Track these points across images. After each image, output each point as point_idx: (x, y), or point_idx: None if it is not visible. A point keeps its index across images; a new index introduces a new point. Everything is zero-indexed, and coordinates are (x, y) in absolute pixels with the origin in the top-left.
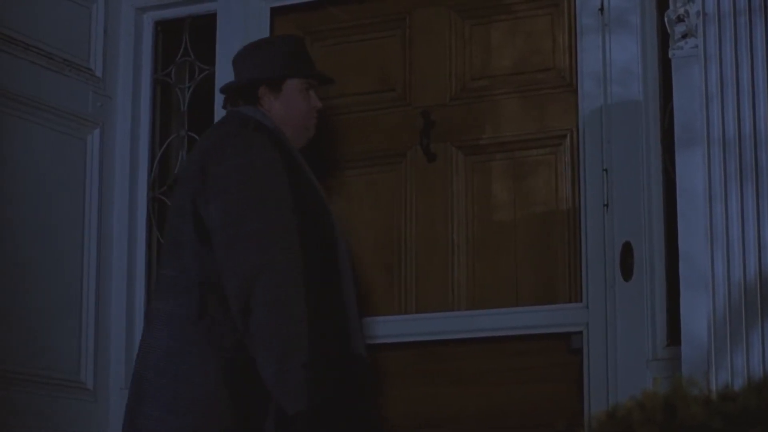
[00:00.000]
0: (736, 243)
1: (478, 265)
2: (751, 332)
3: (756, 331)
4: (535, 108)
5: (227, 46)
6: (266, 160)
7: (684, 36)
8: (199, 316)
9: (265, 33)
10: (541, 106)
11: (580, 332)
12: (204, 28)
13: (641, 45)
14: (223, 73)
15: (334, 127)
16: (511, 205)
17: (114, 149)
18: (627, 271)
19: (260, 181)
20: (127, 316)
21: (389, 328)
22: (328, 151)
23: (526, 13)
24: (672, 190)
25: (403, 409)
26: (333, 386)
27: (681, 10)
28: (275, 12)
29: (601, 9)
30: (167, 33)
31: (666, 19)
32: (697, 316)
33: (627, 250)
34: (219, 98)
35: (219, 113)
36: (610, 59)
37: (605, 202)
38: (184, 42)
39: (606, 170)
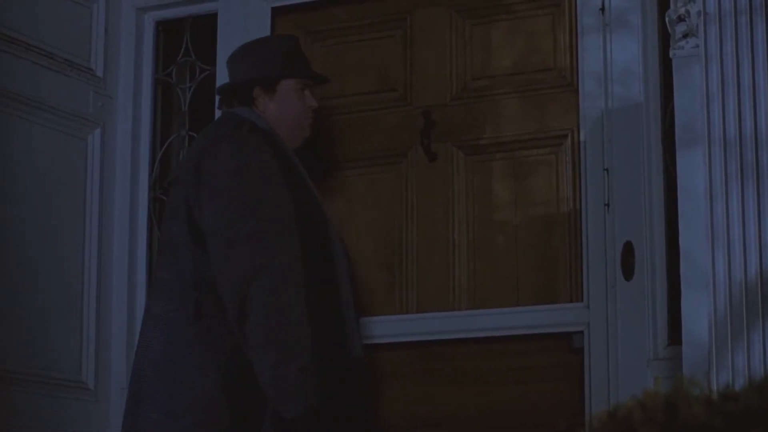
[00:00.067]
0: (737, 242)
1: (478, 264)
2: (752, 332)
3: (757, 330)
4: (536, 108)
5: (228, 46)
6: (261, 162)
7: (685, 36)
8: (196, 318)
9: (266, 33)
10: (542, 106)
11: (581, 332)
12: (205, 28)
13: (642, 45)
14: (224, 74)
15: (335, 128)
16: (511, 205)
17: (115, 149)
18: (628, 270)
19: (255, 183)
20: (128, 316)
21: (390, 327)
22: (329, 152)
23: (527, 13)
24: (673, 190)
25: (403, 409)
26: (331, 389)
27: (682, 10)
28: (276, 12)
29: (602, 9)
30: (168, 33)
31: (667, 18)
32: (698, 315)
33: (628, 250)
34: None
35: (220, 113)
36: (611, 59)
37: (606, 202)
38: (184, 42)
39: (607, 170)
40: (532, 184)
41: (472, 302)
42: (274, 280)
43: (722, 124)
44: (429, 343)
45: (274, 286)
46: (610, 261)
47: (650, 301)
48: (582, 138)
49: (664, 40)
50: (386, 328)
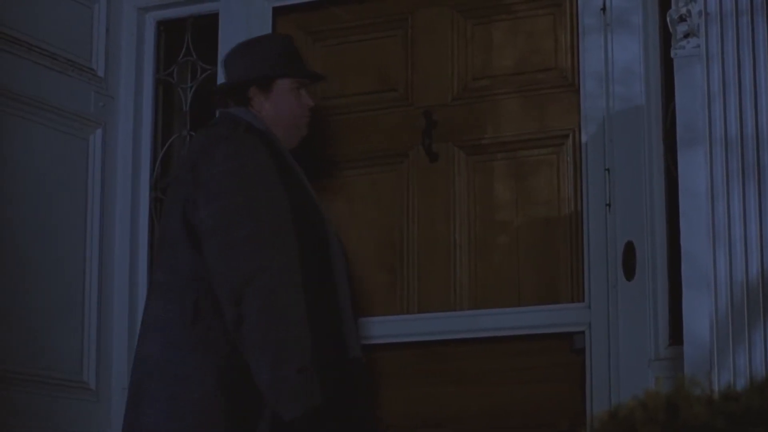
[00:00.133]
0: (738, 242)
1: (480, 265)
2: (753, 332)
3: (758, 330)
4: (537, 108)
5: (229, 46)
6: (257, 163)
7: (686, 36)
8: (193, 321)
9: (267, 32)
10: (543, 106)
11: (583, 332)
12: (206, 27)
13: (643, 45)
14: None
15: (336, 128)
16: (513, 205)
17: (116, 149)
18: (629, 270)
19: (251, 184)
20: (129, 316)
21: (391, 328)
22: (330, 152)
23: (528, 13)
24: (674, 190)
25: (405, 409)
26: (329, 390)
27: (683, 10)
28: (277, 12)
29: (603, 9)
30: (169, 33)
31: (668, 18)
32: (700, 315)
33: (629, 250)
34: None
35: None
36: (612, 59)
37: (607, 202)
38: (186, 42)
39: (608, 170)
40: (533, 184)
41: (473, 302)
42: (271, 282)
43: (723, 123)
44: (430, 343)
45: (271, 288)
46: (612, 261)
47: (651, 301)
48: (583, 138)
49: (666, 40)
50: (387, 328)
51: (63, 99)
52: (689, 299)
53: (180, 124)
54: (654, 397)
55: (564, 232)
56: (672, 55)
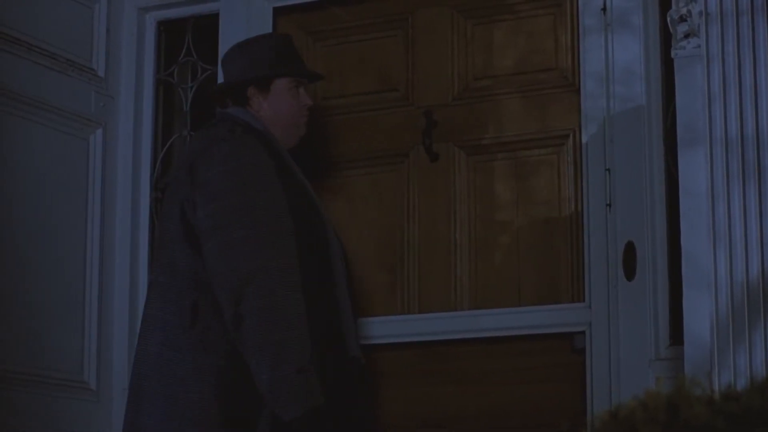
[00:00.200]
0: (738, 242)
1: (480, 264)
2: (753, 332)
3: (759, 330)
4: (538, 108)
5: (230, 46)
6: (255, 163)
7: (686, 36)
8: (192, 321)
9: (266, 32)
10: (544, 106)
11: (583, 332)
12: (207, 28)
13: (644, 45)
14: None
15: (337, 128)
16: (513, 205)
17: (116, 149)
18: (630, 270)
19: (250, 185)
20: (130, 316)
21: (392, 328)
22: (330, 152)
23: (529, 13)
24: (674, 190)
25: (405, 410)
26: (328, 390)
27: (683, 10)
28: (278, 12)
29: (604, 9)
30: (170, 33)
31: (668, 18)
32: (700, 315)
33: (630, 250)
34: None
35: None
36: (613, 59)
37: (608, 202)
38: (186, 42)
39: (608, 170)
40: (533, 184)
41: (473, 302)
42: (269, 282)
43: (724, 124)
44: (430, 343)
45: (270, 288)
46: (612, 261)
47: (652, 301)
48: (584, 138)
49: (666, 40)
50: (388, 328)
51: (63, 99)
52: (690, 299)
53: (180, 125)
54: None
55: (564, 232)
56: (672, 55)
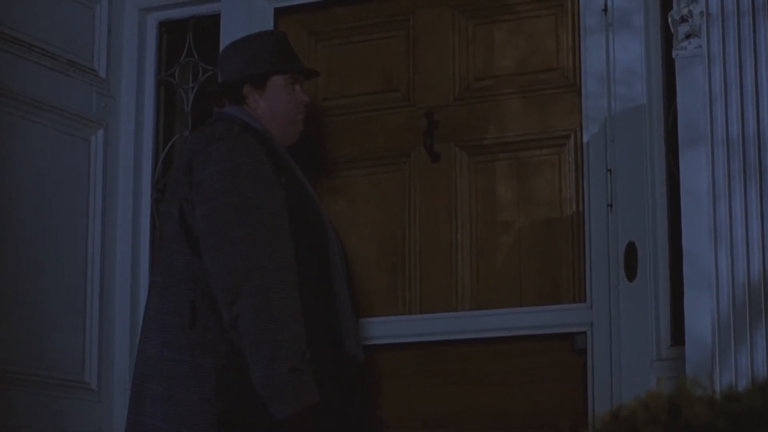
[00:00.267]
0: (740, 243)
1: (481, 265)
2: (755, 332)
3: (760, 331)
4: (539, 108)
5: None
6: (253, 162)
7: (687, 36)
8: (191, 322)
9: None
10: (545, 106)
11: (584, 332)
12: (208, 28)
13: (645, 45)
14: None
15: (338, 128)
16: (514, 205)
17: (118, 150)
18: (631, 271)
19: (246, 184)
20: (131, 316)
21: (393, 328)
22: (332, 152)
23: (530, 14)
24: (676, 190)
25: (406, 410)
26: (324, 388)
27: (684, 11)
28: (279, 12)
29: (605, 9)
30: (171, 33)
31: (669, 19)
32: (701, 316)
33: (631, 250)
34: None
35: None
36: (614, 59)
37: (609, 203)
38: (187, 42)
39: (610, 170)
40: (535, 185)
41: (474, 303)
42: (265, 281)
43: (725, 124)
44: (431, 343)
45: (265, 287)
46: (613, 261)
47: (653, 302)
48: (585, 138)
49: (667, 40)
50: (389, 328)
51: (64, 99)
52: (691, 299)
53: (182, 125)
54: (656, 397)
55: (566, 233)
56: (673, 55)
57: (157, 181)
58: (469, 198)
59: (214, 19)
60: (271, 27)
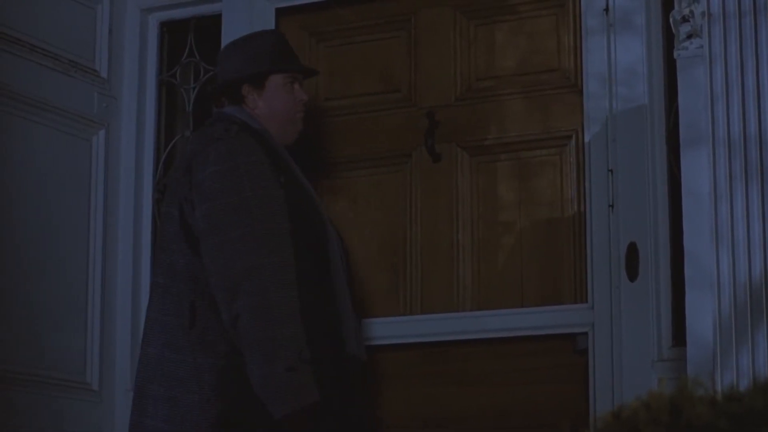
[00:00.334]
0: (741, 243)
1: (483, 265)
2: (756, 332)
3: (761, 331)
4: (540, 109)
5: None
6: (251, 162)
7: (689, 36)
8: (191, 322)
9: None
10: (546, 106)
11: (586, 333)
12: (209, 28)
13: (646, 45)
14: None
15: (339, 128)
16: (516, 205)
17: (119, 150)
18: (632, 271)
19: (245, 184)
20: (133, 316)
21: (394, 329)
22: (333, 152)
23: (531, 14)
24: (677, 191)
25: (407, 410)
26: (324, 388)
27: (686, 11)
28: (280, 13)
29: (606, 9)
30: (172, 34)
31: (671, 19)
32: (703, 316)
33: (632, 251)
34: None
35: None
36: (615, 60)
37: (610, 203)
38: (189, 43)
39: (611, 171)
40: (536, 185)
41: (476, 303)
42: (264, 281)
43: (726, 124)
44: (432, 344)
45: (263, 287)
46: (615, 262)
47: (654, 302)
48: (586, 139)
49: (669, 40)
50: (390, 329)
51: (66, 100)
52: (692, 300)
53: (183, 125)
54: (657, 397)
55: (567, 233)
56: (675, 55)
57: (158, 181)
58: (470, 198)
59: (215, 20)
60: (272, 27)
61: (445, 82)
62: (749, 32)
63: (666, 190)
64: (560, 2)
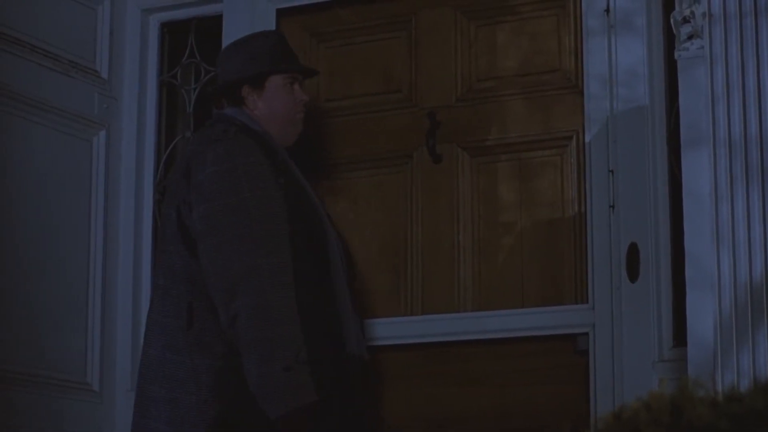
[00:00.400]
0: (742, 244)
1: (483, 266)
2: (757, 333)
3: (762, 331)
4: (541, 109)
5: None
6: (249, 163)
7: (690, 37)
8: (189, 323)
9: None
10: (547, 107)
11: (586, 333)
12: (210, 29)
13: (647, 46)
14: None
15: (340, 129)
16: (517, 206)
17: (120, 151)
18: (633, 272)
19: (243, 185)
20: (133, 317)
21: (395, 329)
22: (334, 153)
23: (532, 14)
24: (678, 191)
25: (408, 411)
26: (324, 389)
27: (687, 12)
28: (281, 13)
29: (607, 10)
30: (173, 34)
31: (672, 20)
32: (703, 317)
33: (633, 251)
34: None
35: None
36: (616, 61)
37: (611, 204)
38: (189, 43)
39: (612, 171)
40: (537, 186)
41: (476, 304)
42: (261, 282)
43: (727, 125)
44: (433, 344)
45: (261, 287)
46: (615, 262)
47: (655, 303)
48: (587, 139)
49: (669, 41)
50: (391, 329)
51: (66, 100)
52: (693, 301)
53: (184, 126)
54: (658, 398)
55: (568, 234)
56: (676, 56)
57: (159, 182)
58: (471, 199)
59: (216, 20)
60: (273, 28)
61: (446, 82)
62: (750, 33)
63: (667, 190)
64: (561, 3)
